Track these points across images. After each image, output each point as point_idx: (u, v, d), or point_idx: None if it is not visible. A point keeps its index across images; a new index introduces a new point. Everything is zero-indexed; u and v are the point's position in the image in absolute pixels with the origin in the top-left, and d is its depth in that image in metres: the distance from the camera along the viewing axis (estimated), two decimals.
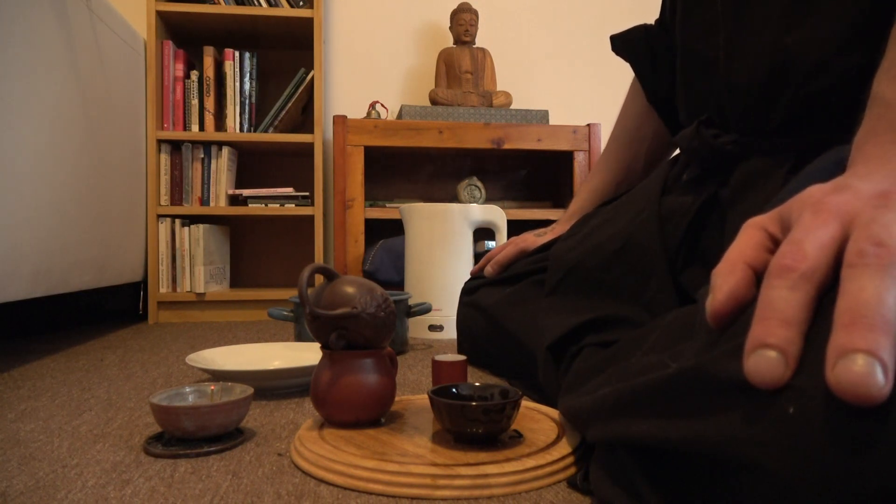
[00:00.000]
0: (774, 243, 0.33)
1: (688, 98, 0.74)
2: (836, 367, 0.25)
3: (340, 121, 1.71)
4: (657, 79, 0.88)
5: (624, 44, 0.91)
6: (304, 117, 1.90)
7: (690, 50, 0.72)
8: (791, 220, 0.33)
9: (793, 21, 0.59)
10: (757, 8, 0.62)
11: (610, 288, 0.69)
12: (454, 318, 1.10)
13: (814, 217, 0.31)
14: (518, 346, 0.83)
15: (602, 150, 1.00)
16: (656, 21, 0.89)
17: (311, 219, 1.78)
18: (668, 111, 0.89)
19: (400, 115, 1.80)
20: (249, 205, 1.75)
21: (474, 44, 1.96)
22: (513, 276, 0.93)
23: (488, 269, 0.99)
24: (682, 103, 0.76)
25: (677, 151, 0.80)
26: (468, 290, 1.04)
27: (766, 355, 0.28)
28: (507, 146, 1.76)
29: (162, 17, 1.71)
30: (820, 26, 0.58)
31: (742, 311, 0.32)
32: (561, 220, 0.99)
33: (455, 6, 1.97)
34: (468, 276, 1.09)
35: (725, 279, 0.32)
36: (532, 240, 0.97)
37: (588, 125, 1.81)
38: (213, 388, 0.66)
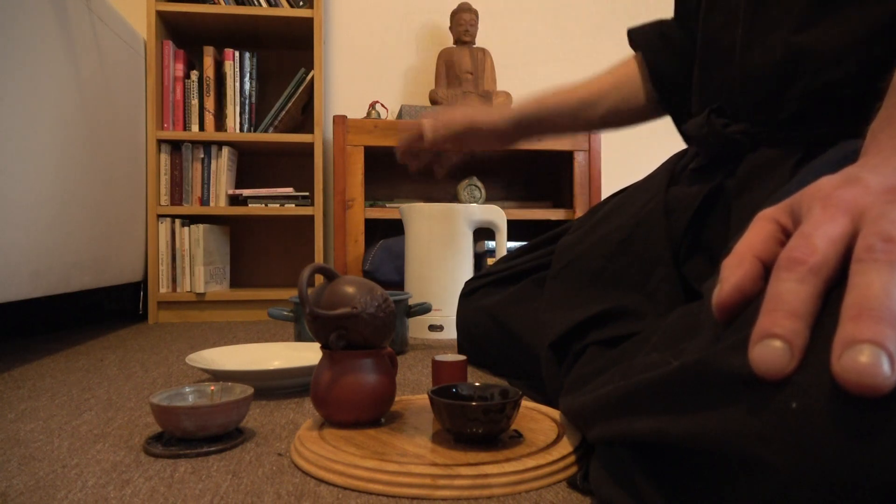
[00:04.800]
0: (785, 236, 0.33)
1: (702, 88, 0.74)
2: (842, 358, 0.25)
3: (340, 121, 1.71)
4: (663, 59, 0.88)
5: (638, 34, 0.92)
6: (304, 117, 1.90)
7: (710, 40, 0.72)
8: (801, 213, 0.33)
9: (811, 18, 0.59)
10: (778, 2, 0.62)
11: (613, 277, 0.69)
12: (454, 318, 1.10)
13: (824, 211, 0.31)
14: (520, 344, 0.83)
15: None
16: (672, 18, 0.90)
17: (311, 219, 1.78)
18: (668, 94, 0.89)
19: (400, 115, 1.80)
20: (249, 205, 1.75)
21: (474, 44, 1.95)
22: (514, 274, 0.93)
23: (429, 136, 0.93)
24: (696, 94, 0.76)
25: (677, 149, 0.81)
26: (468, 290, 1.04)
27: (772, 345, 0.28)
28: None
29: (162, 17, 1.71)
30: (838, 26, 0.58)
31: (748, 304, 0.32)
32: (514, 105, 0.97)
33: (455, 6, 1.97)
34: (468, 277, 1.09)
35: (733, 271, 0.32)
36: (482, 113, 0.94)
37: None
38: (213, 388, 0.66)
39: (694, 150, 0.75)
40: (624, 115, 0.95)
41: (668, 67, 0.88)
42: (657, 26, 0.91)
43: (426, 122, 0.95)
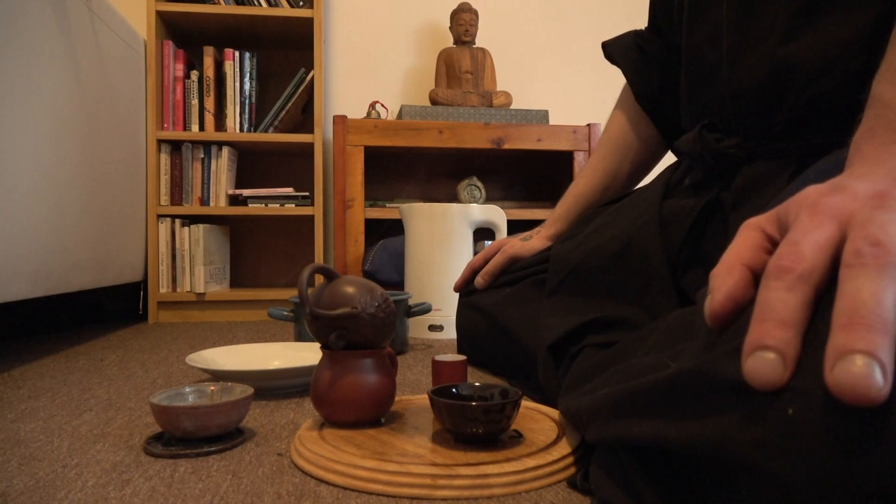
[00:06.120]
0: (772, 244, 0.33)
1: (692, 104, 0.74)
2: (834, 369, 0.25)
3: (340, 121, 1.71)
4: (646, 78, 0.89)
5: (615, 49, 0.93)
6: (304, 117, 1.90)
7: (695, 56, 0.72)
8: (788, 221, 0.33)
9: (795, 30, 0.59)
10: (761, 16, 0.62)
11: (611, 289, 0.69)
12: (454, 318, 1.10)
13: (811, 218, 0.31)
14: (518, 346, 0.83)
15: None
16: (646, 28, 0.91)
17: (311, 219, 1.78)
18: (657, 112, 0.90)
19: (400, 115, 1.80)
20: (249, 205, 1.75)
21: (474, 44, 1.96)
22: (511, 279, 0.93)
23: (479, 281, 0.98)
24: (686, 109, 0.76)
25: (674, 159, 0.81)
26: (467, 291, 1.04)
27: (765, 357, 0.28)
28: (507, 146, 1.76)
29: (162, 17, 1.71)
30: (823, 36, 0.58)
31: (740, 312, 0.32)
32: (546, 224, 1.00)
33: (455, 6, 1.97)
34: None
35: (724, 280, 0.32)
36: (520, 245, 0.97)
37: (588, 125, 1.81)
38: (213, 388, 0.66)
39: (687, 164, 0.75)
40: (646, 162, 0.96)
41: (649, 82, 0.89)
42: (633, 39, 0.92)
43: (477, 280, 0.99)
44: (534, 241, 0.97)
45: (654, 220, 0.69)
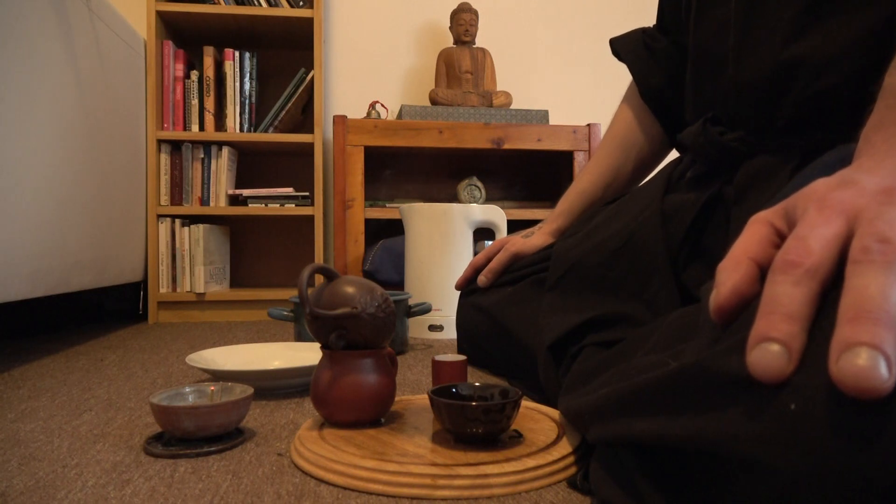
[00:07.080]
0: (780, 238, 0.33)
1: (696, 97, 0.74)
2: (839, 361, 0.25)
3: (340, 121, 1.71)
4: (652, 75, 0.89)
5: (622, 45, 0.93)
6: (304, 117, 1.90)
7: (702, 49, 0.72)
8: (796, 216, 0.33)
9: (800, 29, 0.60)
10: (767, 15, 0.62)
11: (612, 285, 0.69)
12: (454, 318, 1.10)
13: (818, 213, 0.31)
14: (518, 345, 0.83)
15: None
16: (654, 26, 0.92)
17: (311, 219, 1.78)
18: (662, 110, 0.90)
19: (400, 115, 1.80)
20: (249, 205, 1.75)
21: (474, 44, 1.96)
22: (513, 278, 0.93)
23: (482, 279, 0.98)
24: (690, 103, 0.76)
25: (676, 155, 0.81)
26: (468, 291, 1.04)
27: (769, 349, 0.28)
28: (507, 146, 1.76)
29: (162, 17, 1.71)
30: (828, 35, 0.58)
31: (746, 307, 0.32)
32: (548, 220, 0.99)
33: (455, 6, 1.97)
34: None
35: (730, 274, 0.32)
36: (521, 242, 0.97)
37: (588, 125, 1.81)
38: (213, 388, 0.66)
39: (689, 159, 0.75)
40: (649, 160, 0.96)
41: (655, 79, 0.89)
42: (640, 36, 0.92)
43: (480, 278, 0.98)
44: (535, 238, 0.97)
45: (656, 214, 0.69)
